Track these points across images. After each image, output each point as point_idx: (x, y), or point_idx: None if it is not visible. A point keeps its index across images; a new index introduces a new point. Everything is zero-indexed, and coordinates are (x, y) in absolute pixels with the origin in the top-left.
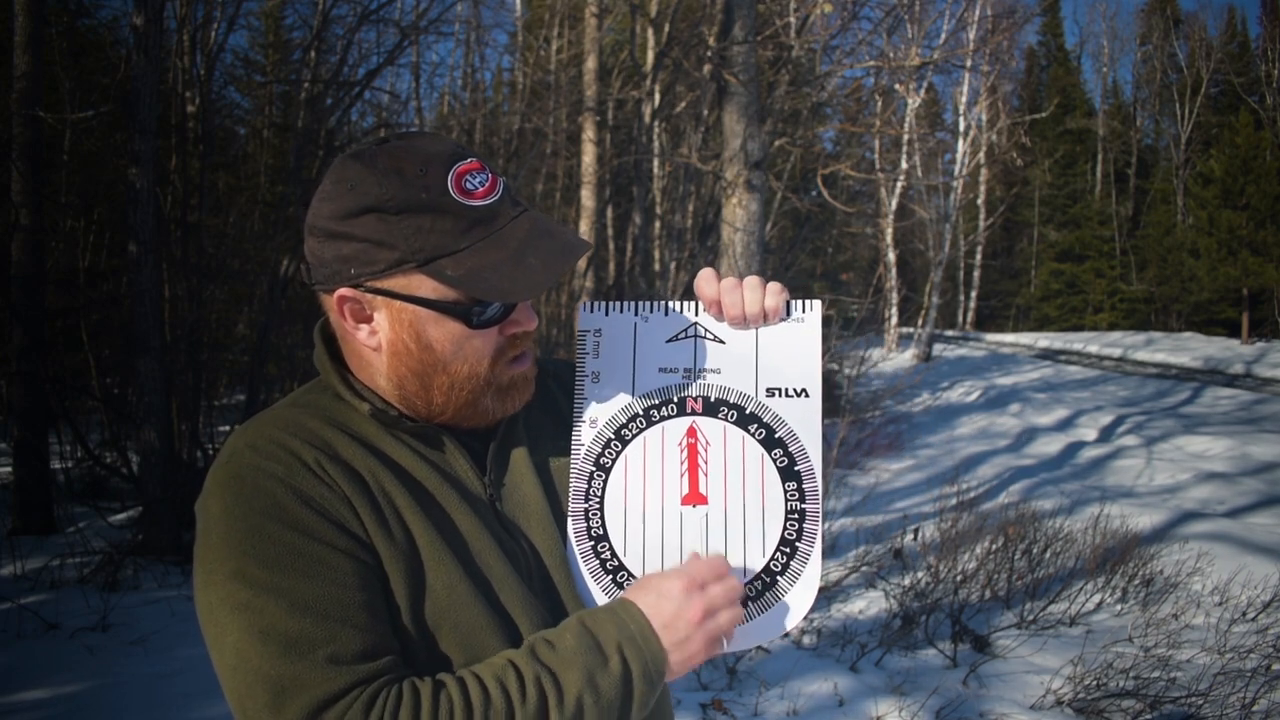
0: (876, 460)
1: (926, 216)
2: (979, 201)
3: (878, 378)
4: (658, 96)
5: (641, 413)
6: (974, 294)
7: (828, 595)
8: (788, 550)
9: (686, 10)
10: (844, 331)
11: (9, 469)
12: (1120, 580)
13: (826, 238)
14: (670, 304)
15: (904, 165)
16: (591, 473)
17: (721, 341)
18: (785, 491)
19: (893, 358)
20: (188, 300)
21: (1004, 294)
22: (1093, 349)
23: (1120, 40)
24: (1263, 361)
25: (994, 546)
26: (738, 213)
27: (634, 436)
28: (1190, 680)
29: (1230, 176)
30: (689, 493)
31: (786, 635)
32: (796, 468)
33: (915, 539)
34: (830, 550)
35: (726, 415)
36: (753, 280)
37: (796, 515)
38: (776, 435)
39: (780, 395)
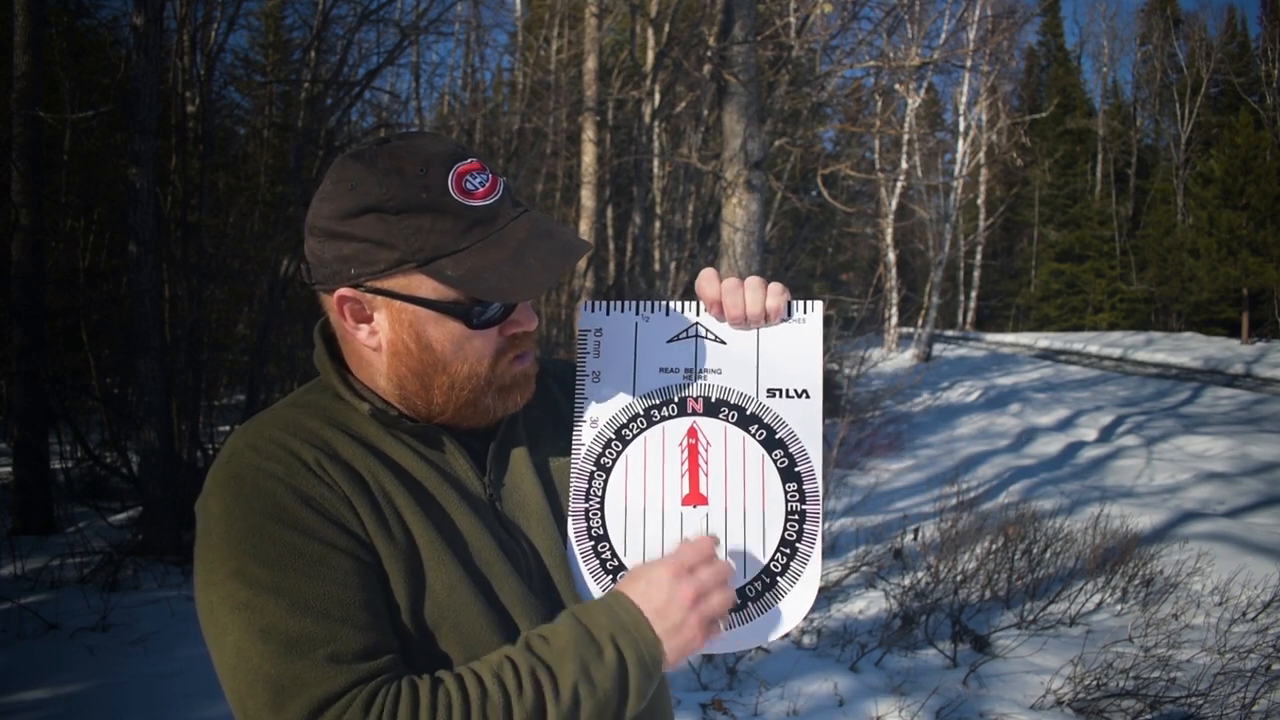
0: (876, 460)
1: (926, 216)
2: (979, 201)
3: (878, 378)
4: (658, 96)
5: (642, 413)
6: (974, 294)
7: (828, 595)
8: (788, 551)
9: (686, 10)
10: (844, 331)
11: (9, 469)
12: (1120, 580)
13: (826, 238)
14: (671, 304)
15: (904, 165)
16: (592, 472)
17: (722, 342)
18: (786, 492)
19: (893, 358)
20: (188, 300)
21: (1004, 294)
22: (1093, 349)
23: (1120, 40)
24: (1263, 361)
25: (994, 546)
26: (738, 213)
27: (634, 436)
28: (1190, 680)
29: (1230, 176)
30: (689, 493)
31: (787, 635)
32: (797, 469)
33: (915, 539)
34: (830, 550)
35: (727, 416)
36: (754, 281)
37: (797, 516)
38: (777, 436)
39: (781, 396)
